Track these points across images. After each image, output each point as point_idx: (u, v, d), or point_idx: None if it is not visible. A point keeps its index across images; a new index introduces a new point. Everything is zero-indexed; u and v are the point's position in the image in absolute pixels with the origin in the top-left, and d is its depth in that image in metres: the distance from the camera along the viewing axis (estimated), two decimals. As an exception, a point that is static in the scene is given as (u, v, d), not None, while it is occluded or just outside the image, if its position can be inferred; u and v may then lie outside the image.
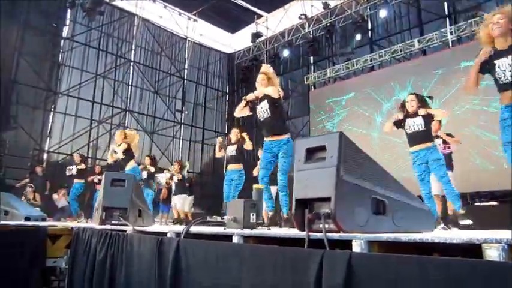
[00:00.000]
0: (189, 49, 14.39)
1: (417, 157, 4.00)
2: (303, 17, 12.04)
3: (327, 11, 11.44)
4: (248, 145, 5.35)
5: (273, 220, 3.66)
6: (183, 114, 13.91)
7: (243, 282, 1.80)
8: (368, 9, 10.77)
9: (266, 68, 3.75)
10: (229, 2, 12.58)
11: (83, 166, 7.80)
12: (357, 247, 1.57)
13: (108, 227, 3.37)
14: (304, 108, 12.51)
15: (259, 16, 13.39)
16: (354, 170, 1.82)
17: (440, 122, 5.00)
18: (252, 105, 3.74)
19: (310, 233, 1.75)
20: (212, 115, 14.94)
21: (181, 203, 8.16)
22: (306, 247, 1.69)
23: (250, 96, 3.67)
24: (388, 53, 10.26)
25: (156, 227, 3.71)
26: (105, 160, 8.79)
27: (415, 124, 3.99)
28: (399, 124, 4.15)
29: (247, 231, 2.16)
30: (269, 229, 2.64)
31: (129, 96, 12.67)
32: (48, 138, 10.70)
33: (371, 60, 10.64)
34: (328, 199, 1.76)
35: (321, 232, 1.68)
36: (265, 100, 3.60)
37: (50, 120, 10.73)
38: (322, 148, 1.88)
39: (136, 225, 3.34)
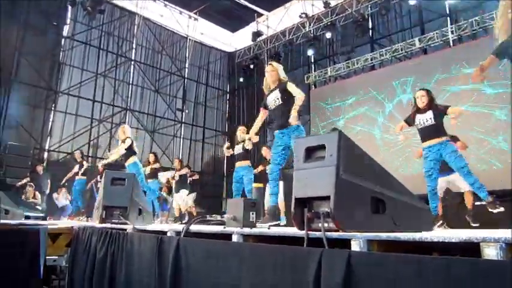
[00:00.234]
0: (190, 48, 14.37)
1: (429, 152, 3.89)
2: (303, 15, 12.01)
3: (327, 10, 11.42)
4: (249, 144, 5.37)
5: (271, 213, 3.58)
6: (183, 113, 13.89)
7: (242, 281, 1.81)
8: (369, 8, 10.76)
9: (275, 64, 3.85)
10: (230, 1, 12.55)
11: (84, 164, 8.06)
12: (356, 246, 1.58)
13: (108, 225, 3.38)
14: (304, 107, 12.47)
15: (260, 15, 13.36)
16: (354, 169, 1.82)
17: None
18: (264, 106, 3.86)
19: (309, 232, 1.75)
20: (213, 114, 14.91)
21: (184, 198, 8.13)
22: (305, 246, 1.69)
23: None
24: (388, 52, 10.24)
25: (156, 226, 3.71)
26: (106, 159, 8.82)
27: (425, 119, 3.91)
28: (412, 121, 4.06)
29: (246, 230, 2.17)
30: (269, 228, 2.64)
31: (129, 95, 12.64)
32: (49, 137, 10.68)
33: (372, 59, 10.63)
34: (327, 198, 1.76)
35: (320, 231, 1.68)
36: (277, 89, 3.65)
37: (51, 119, 10.72)
38: (322, 147, 1.89)
39: (137, 224, 3.35)
